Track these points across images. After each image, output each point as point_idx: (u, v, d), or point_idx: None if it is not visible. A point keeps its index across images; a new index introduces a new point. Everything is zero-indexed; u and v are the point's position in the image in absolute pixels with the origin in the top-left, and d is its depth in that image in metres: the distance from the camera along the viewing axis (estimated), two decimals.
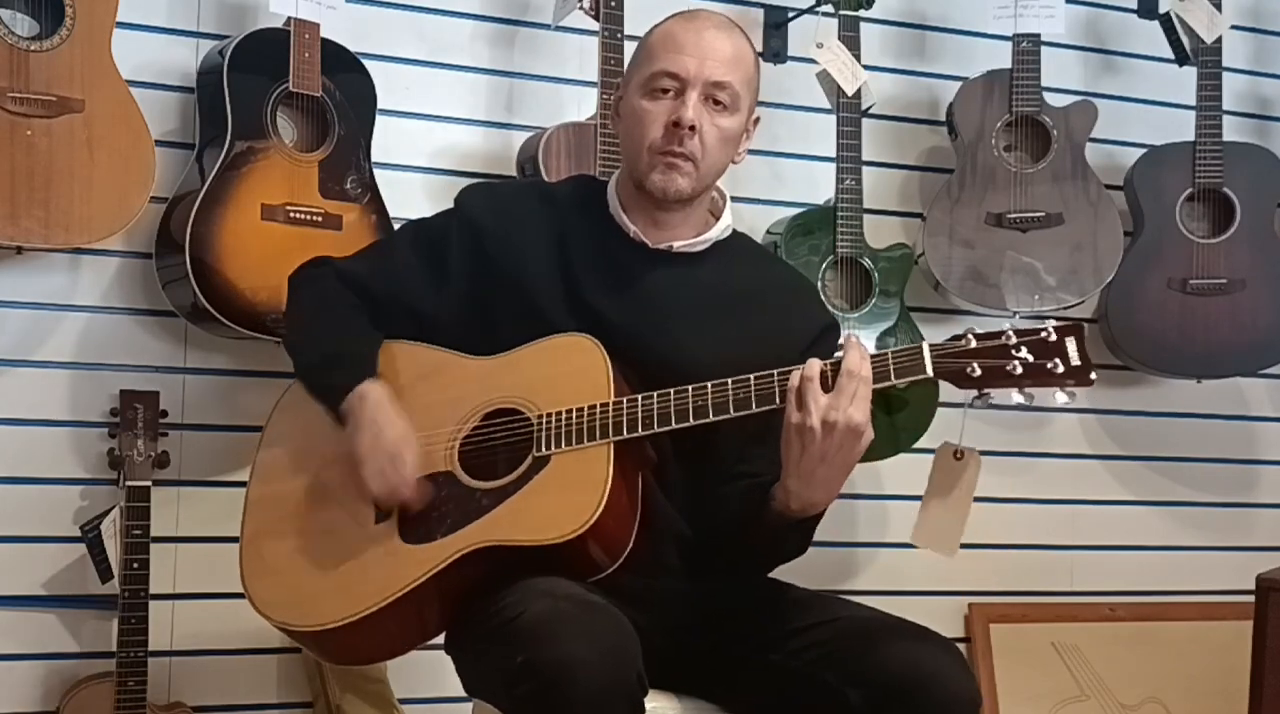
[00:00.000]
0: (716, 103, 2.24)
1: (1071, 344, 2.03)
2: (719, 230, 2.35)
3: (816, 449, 2.05)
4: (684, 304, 2.28)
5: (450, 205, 2.42)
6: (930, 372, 2.04)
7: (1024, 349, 2.03)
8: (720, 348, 2.23)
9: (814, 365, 2.06)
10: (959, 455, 2.35)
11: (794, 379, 2.06)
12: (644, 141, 2.24)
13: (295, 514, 2.29)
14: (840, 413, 2.03)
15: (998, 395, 2.06)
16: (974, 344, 2.05)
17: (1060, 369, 2.02)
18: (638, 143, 2.25)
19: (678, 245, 2.31)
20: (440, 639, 2.29)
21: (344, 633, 2.18)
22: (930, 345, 2.06)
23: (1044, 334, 2.04)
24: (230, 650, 3.10)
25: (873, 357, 2.07)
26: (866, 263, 3.40)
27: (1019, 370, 2.03)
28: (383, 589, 2.14)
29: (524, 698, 1.89)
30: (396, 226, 2.99)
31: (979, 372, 2.04)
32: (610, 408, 2.13)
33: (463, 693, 2.27)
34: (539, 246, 2.30)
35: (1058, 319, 2.08)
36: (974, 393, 2.07)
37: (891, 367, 2.06)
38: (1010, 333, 2.05)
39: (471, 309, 2.30)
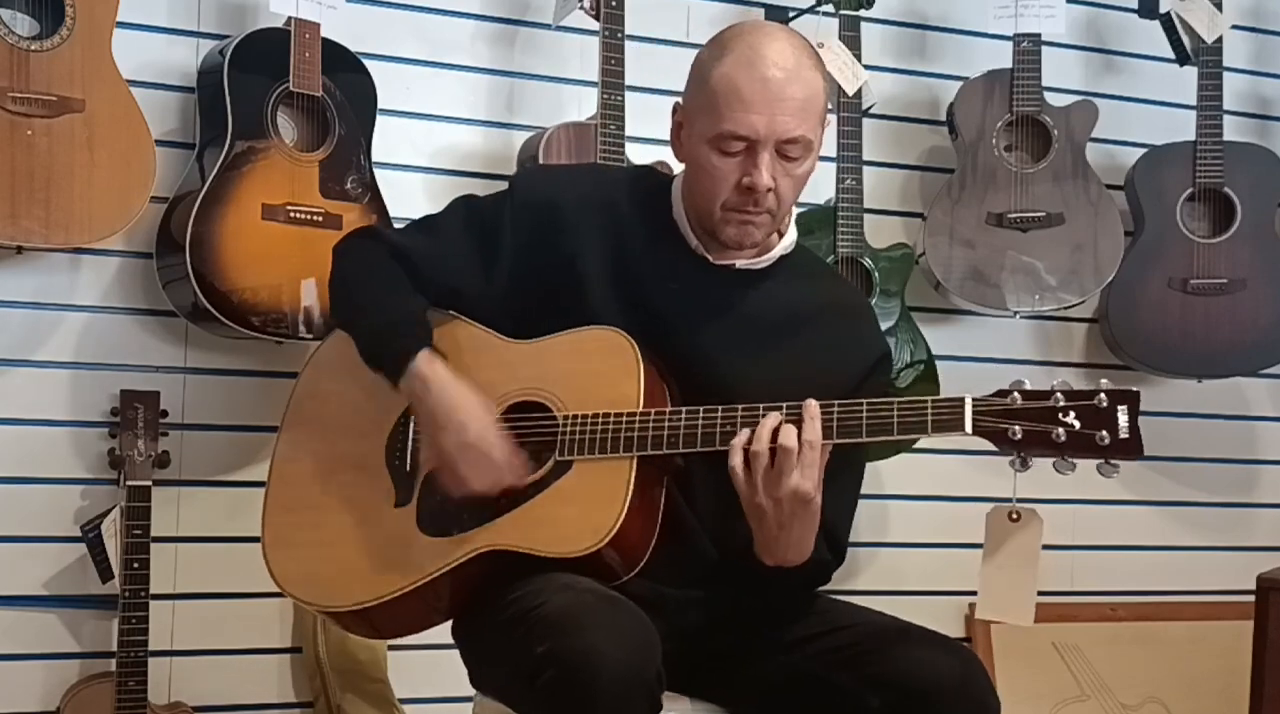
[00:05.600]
0: (789, 156, 2.12)
1: (1123, 414, 1.91)
2: (783, 247, 2.28)
3: (771, 519, 2.03)
4: (739, 322, 2.22)
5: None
6: (969, 430, 1.95)
7: (1071, 414, 1.92)
8: (771, 371, 2.17)
9: (763, 437, 2.00)
10: (1014, 516, 2.27)
11: (749, 454, 2.01)
12: (715, 198, 2.15)
13: (317, 487, 2.28)
14: (783, 489, 1.99)
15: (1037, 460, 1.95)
16: (1019, 403, 1.94)
17: (1106, 441, 1.90)
18: (708, 196, 2.16)
19: (740, 263, 2.24)
20: (441, 636, 2.30)
21: (356, 616, 2.20)
22: (974, 400, 1.96)
23: (1095, 400, 1.92)
24: (230, 650, 3.10)
25: (911, 404, 1.99)
26: (867, 262, 3.40)
27: (1063, 438, 1.92)
28: (397, 580, 2.14)
29: (545, 687, 1.87)
30: (397, 226, 2.98)
31: (1020, 435, 1.94)
32: (637, 420, 2.09)
33: (462, 693, 2.27)
34: (595, 237, 2.22)
35: (1113, 382, 1.95)
36: (1013, 454, 1.96)
37: (930, 419, 1.98)
38: (1059, 395, 1.93)
39: (519, 295, 2.24)
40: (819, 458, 2.00)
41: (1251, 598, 3.11)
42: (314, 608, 2.28)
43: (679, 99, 2.22)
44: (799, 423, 2.00)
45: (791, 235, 2.29)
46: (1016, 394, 1.95)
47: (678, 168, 2.27)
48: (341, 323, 2.35)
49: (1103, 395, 1.92)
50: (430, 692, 3.15)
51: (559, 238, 2.23)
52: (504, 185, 2.34)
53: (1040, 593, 3.83)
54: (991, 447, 1.99)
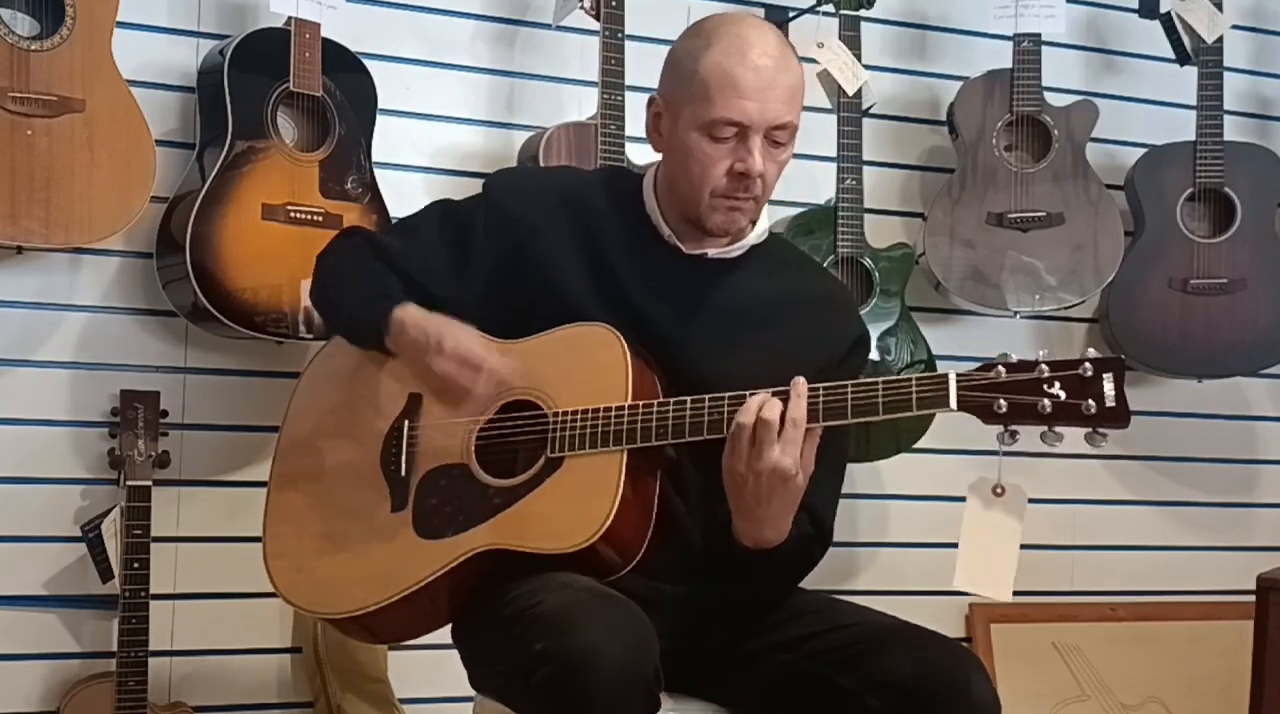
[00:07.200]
0: (776, 142, 2.18)
1: (1109, 383, 1.91)
2: (755, 236, 2.29)
3: (749, 492, 2.05)
4: (716, 312, 2.24)
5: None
6: (954, 405, 1.95)
7: (1057, 385, 1.92)
8: (751, 359, 2.19)
9: (749, 410, 2.02)
10: (999, 491, 2.25)
11: (733, 424, 2.03)
12: (705, 184, 2.17)
13: (315, 495, 2.30)
14: (764, 462, 2.01)
15: (1025, 433, 1.94)
16: (1004, 376, 1.94)
17: (1093, 410, 1.90)
18: (696, 183, 2.18)
19: (712, 252, 2.27)
20: (440, 637, 2.30)
21: (355, 621, 2.21)
22: (958, 375, 1.96)
23: (1080, 369, 1.92)
24: (230, 650, 3.10)
25: (896, 382, 1.99)
26: (867, 262, 3.40)
27: (1049, 409, 1.92)
28: (395, 584, 2.15)
29: (541, 684, 1.88)
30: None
31: (1005, 408, 1.93)
32: (626, 413, 2.10)
33: (463, 693, 2.27)
34: (569, 237, 2.25)
35: (1095, 350, 1.95)
36: (1000, 428, 1.96)
37: (915, 396, 1.98)
38: (1044, 366, 1.94)
39: (496, 296, 2.27)
40: (801, 436, 2.01)
41: (1251, 598, 3.11)
42: (314, 614, 2.29)
43: (654, 93, 2.26)
44: (785, 400, 2.02)
45: (763, 224, 2.31)
46: (1001, 367, 1.96)
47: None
48: (327, 316, 2.40)
49: (1087, 364, 1.93)
50: (430, 692, 3.15)
51: (535, 238, 2.26)
52: None
53: (1040, 593, 3.86)
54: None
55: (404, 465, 2.24)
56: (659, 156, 2.28)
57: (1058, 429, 1.94)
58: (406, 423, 2.26)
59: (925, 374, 1.99)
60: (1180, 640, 3.86)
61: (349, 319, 2.32)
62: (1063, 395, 1.92)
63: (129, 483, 2.85)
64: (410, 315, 2.21)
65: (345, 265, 2.35)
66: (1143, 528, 3.92)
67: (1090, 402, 1.91)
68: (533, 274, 2.25)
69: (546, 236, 2.25)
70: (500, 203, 2.30)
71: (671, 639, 2.12)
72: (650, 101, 2.26)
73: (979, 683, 2.05)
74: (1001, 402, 1.94)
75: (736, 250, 2.28)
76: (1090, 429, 1.93)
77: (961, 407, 1.96)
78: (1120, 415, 1.91)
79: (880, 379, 2.01)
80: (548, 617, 1.92)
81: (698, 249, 2.26)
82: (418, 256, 2.30)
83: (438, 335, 2.17)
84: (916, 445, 3.39)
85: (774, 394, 2.04)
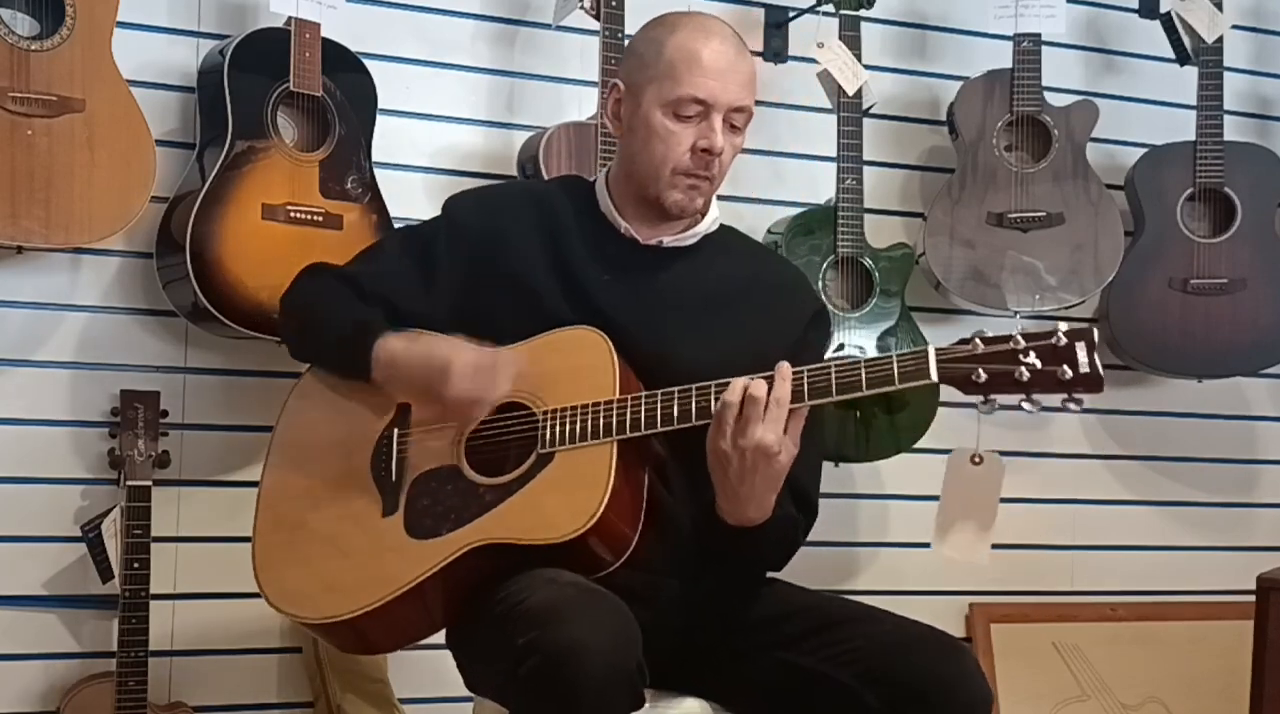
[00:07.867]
0: (734, 125, 2.27)
1: (1082, 350, 1.97)
2: (707, 224, 2.37)
3: (734, 470, 2.09)
4: (676, 300, 2.30)
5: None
6: (935, 377, 2.01)
7: (1032, 354, 1.98)
8: (712, 345, 2.25)
9: (735, 389, 2.07)
10: (977, 460, 2.29)
11: (719, 402, 2.08)
12: (667, 162, 2.26)
13: (306, 506, 2.31)
14: (748, 439, 2.05)
15: (1004, 401, 2.00)
16: (980, 348, 2.01)
17: (1069, 376, 1.97)
18: (657, 160, 2.27)
19: (667, 241, 2.34)
20: (441, 638, 2.30)
21: (349, 626, 2.21)
22: (937, 349, 2.03)
23: (1054, 339, 1.98)
24: (230, 650, 3.10)
25: (877, 360, 2.05)
26: (867, 262, 3.40)
27: (1026, 376, 1.98)
28: (388, 584, 2.16)
29: (527, 676, 1.90)
30: (397, 226, 2.99)
31: (984, 377, 1.99)
32: (615, 406, 2.13)
33: (462, 693, 2.27)
34: (532, 244, 2.32)
35: (1068, 322, 1.99)
36: (980, 398, 2.02)
37: (896, 370, 2.03)
38: (1018, 337, 2.00)
39: (467, 310, 2.31)
40: (784, 415, 2.06)
41: (1251, 598, 3.11)
42: (307, 622, 2.27)
43: (614, 80, 2.34)
44: (770, 382, 2.08)
45: (714, 214, 2.38)
46: (978, 340, 2.02)
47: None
48: (306, 358, 2.43)
49: (1061, 335, 1.99)
50: (430, 692, 3.15)
51: (498, 244, 2.32)
52: None
53: (1040, 593, 3.85)
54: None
55: (394, 471, 2.26)
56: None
57: (1035, 396, 1.99)
58: (396, 430, 2.28)
59: (905, 351, 2.05)
60: (1180, 640, 3.86)
61: (331, 362, 2.36)
62: (1038, 363, 1.98)
63: (129, 483, 2.85)
64: (394, 348, 2.24)
65: (309, 305, 2.39)
66: (1143, 528, 3.92)
67: (1065, 367, 1.97)
68: (500, 279, 2.30)
69: (509, 241, 2.32)
70: (460, 217, 2.38)
71: (668, 635, 2.13)
72: (611, 87, 2.34)
73: (974, 679, 2.08)
74: (980, 371, 2.00)
75: (690, 238, 2.35)
76: (1066, 394, 1.99)
77: (942, 378, 2.02)
78: (1094, 380, 1.97)
79: (862, 358, 2.07)
80: (533, 611, 1.94)
81: (653, 239, 2.33)
82: (384, 275, 2.35)
83: (442, 362, 2.19)
84: (916, 445, 3.39)
85: (759, 377, 2.08)
